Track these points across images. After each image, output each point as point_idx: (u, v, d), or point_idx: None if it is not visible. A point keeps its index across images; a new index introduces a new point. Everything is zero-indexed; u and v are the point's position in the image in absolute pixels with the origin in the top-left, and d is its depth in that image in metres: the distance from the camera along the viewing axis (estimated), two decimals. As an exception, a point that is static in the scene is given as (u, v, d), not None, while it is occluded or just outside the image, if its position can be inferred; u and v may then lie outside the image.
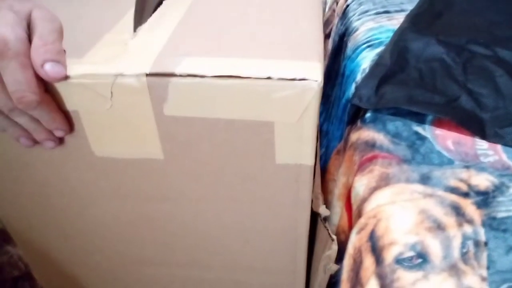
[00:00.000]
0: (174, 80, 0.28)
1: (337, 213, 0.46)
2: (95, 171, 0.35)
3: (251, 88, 0.28)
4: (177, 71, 0.28)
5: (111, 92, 0.29)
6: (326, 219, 0.40)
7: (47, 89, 0.30)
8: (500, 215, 0.34)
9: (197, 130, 0.31)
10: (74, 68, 0.29)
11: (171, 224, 0.39)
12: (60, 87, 0.30)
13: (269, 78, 0.27)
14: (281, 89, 0.28)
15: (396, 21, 0.57)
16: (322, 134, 0.65)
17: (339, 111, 0.58)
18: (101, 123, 0.32)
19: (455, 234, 0.33)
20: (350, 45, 0.60)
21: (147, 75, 0.28)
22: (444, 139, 0.41)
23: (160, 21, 0.35)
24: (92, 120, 0.32)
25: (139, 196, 0.37)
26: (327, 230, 0.37)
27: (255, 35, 0.33)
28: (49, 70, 0.28)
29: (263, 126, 0.30)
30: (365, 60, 0.54)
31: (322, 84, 0.28)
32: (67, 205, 0.39)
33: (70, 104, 0.31)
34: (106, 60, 0.30)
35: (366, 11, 0.62)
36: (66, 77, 0.29)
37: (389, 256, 0.33)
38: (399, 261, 0.32)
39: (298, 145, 0.31)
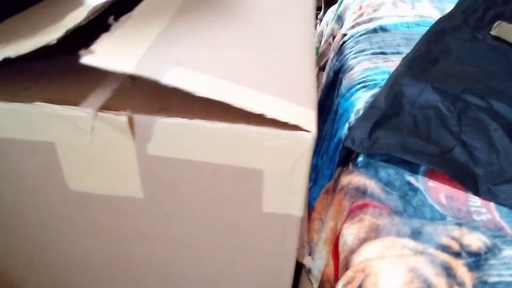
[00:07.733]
0: (160, 120, 0.27)
1: (323, 257, 0.44)
2: (68, 204, 0.33)
3: (242, 134, 0.26)
4: (164, 79, 0.25)
5: (92, 127, 0.27)
6: (310, 270, 0.38)
7: None
8: (492, 279, 0.33)
9: (182, 172, 0.29)
10: None
11: (146, 265, 0.36)
12: (34, 117, 0.28)
13: (262, 115, 0.25)
14: (273, 137, 0.26)
15: (392, 63, 0.57)
16: (311, 168, 0.63)
17: (330, 149, 0.57)
18: (78, 156, 0.29)
19: (446, 299, 0.31)
20: (345, 83, 0.59)
21: (131, 111, 0.26)
22: (437, 192, 0.40)
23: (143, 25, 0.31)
24: (69, 153, 0.29)
25: (114, 234, 0.34)
26: (311, 284, 0.35)
27: (246, 62, 0.31)
28: None
29: (251, 174, 0.28)
30: (360, 101, 0.53)
31: (316, 136, 0.26)
32: (35, 237, 0.36)
33: (45, 135, 0.28)
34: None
35: (363, 50, 0.61)
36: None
37: (376, 318, 0.31)
38: (386, 324, 0.30)
39: (287, 195, 0.29)
